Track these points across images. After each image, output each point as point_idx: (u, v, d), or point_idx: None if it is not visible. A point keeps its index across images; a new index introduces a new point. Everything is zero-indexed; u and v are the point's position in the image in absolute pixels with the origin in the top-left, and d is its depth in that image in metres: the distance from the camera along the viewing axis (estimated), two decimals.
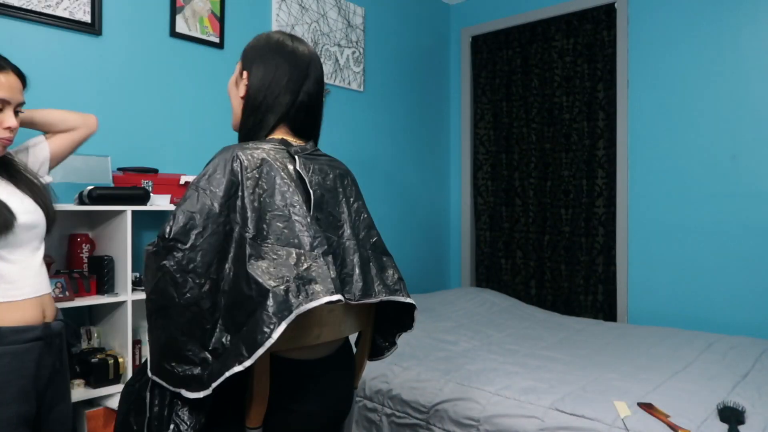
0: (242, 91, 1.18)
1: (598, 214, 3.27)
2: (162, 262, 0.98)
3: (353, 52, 3.16)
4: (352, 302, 1.06)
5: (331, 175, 1.17)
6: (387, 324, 1.29)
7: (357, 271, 1.10)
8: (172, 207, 2.07)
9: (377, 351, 1.31)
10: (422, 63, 3.69)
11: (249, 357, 0.92)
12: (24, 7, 1.93)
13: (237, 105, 1.20)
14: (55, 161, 1.56)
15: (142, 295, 1.96)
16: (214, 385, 0.94)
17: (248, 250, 0.99)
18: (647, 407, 1.66)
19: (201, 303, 0.97)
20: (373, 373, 2.10)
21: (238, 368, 0.92)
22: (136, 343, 2.04)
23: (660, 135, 3.04)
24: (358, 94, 3.23)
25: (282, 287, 0.95)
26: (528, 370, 2.05)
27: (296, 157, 1.12)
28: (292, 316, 0.93)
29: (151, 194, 2.07)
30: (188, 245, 0.98)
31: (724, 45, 2.84)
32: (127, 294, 1.94)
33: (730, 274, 2.81)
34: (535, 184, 3.55)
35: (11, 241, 1.23)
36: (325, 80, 3.01)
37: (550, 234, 3.48)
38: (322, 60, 2.99)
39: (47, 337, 1.27)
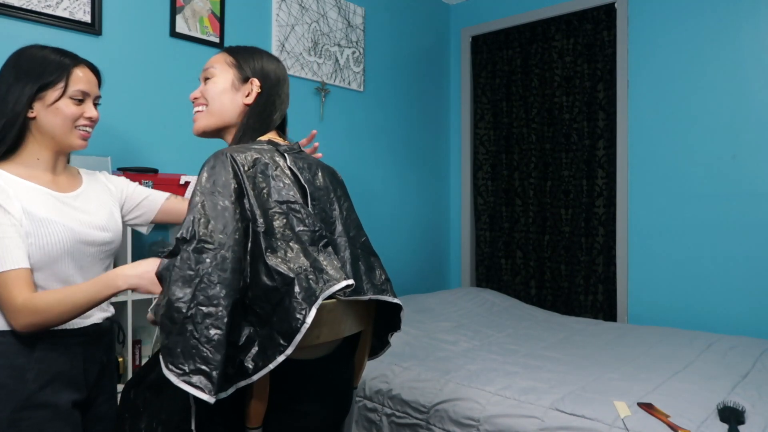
0: (250, 98, 1.22)
1: (598, 214, 3.27)
2: (197, 266, 0.95)
3: (353, 52, 3.16)
4: (342, 298, 1.06)
5: (319, 174, 1.20)
6: (380, 324, 1.30)
7: (348, 267, 1.11)
8: None
9: (372, 351, 1.32)
10: (422, 63, 3.69)
11: (288, 345, 0.95)
12: (24, 7, 1.93)
13: (232, 108, 1.22)
14: (159, 219, 1.52)
15: (142, 295, 1.95)
16: (258, 375, 0.95)
17: (263, 244, 1.00)
18: (647, 407, 1.66)
19: (239, 300, 0.98)
20: (373, 373, 2.10)
21: (281, 358, 0.95)
22: (136, 343, 2.04)
23: (660, 135, 3.04)
24: (358, 94, 3.23)
25: (302, 275, 0.98)
26: (528, 370, 2.05)
27: (286, 155, 1.15)
28: (319, 301, 0.97)
29: None
30: (216, 244, 0.97)
31: (724, 45, 2.84)
32: (127, 294, 1.94)
33: (730, 274, 2.81)
34: (535, 184, 3.55)
35: (78, 258, 1.28)
36: (325, 80, 3.01)
37: (550, 234, 3.48)
38: (322, 60, 2.99)
39: (95, 333, 1.33)
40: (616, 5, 3.18)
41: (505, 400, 1.79)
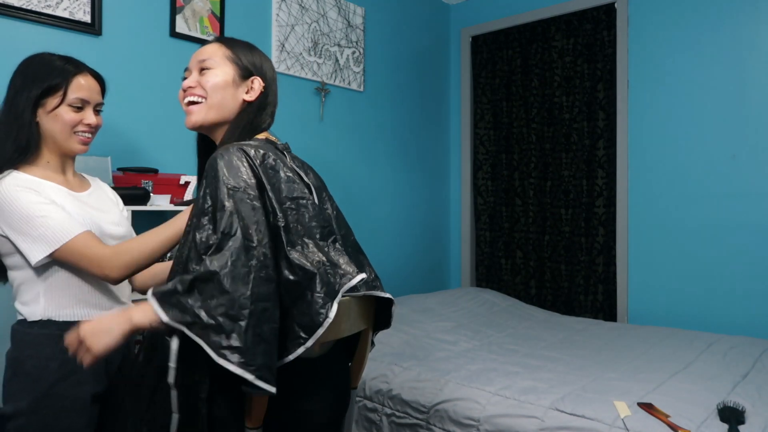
0: (251, 96, 1.21)
1: (598, 214, 3.27)
2: (249, 263, 0.95)
3: (353, 52, 3.16)
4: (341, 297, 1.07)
5: (311, 174, 1.22)
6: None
7: None
8: (172, 207, 2.07)
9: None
10: (422, 63, 3.69)
11: (309, 338, 0.97)
12: (24, 7, 1.93)
13: (232, 105, 1.20)
14: None
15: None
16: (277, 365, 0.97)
17: (284, 239, 1.01)
18: (647, 407, 1.66)
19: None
20: (373, 373, 2.10)
21: (300, 350, 0.97)
22: (136, 343, 2.03)
23: (660, 135, 3.04)
24: (358, 94, 3.23)
25: (322, 270, 1.00)
26: (528, 370, 2.05)
27: (286, 153, 1.17)
28: (339, 295, 0.99)
29: (151, 194, 2.07)
30: (255, 242, 0.97)
31: (724, 44, 2.84)
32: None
33: (730, 274, 2.81)
34: (535, 184, 3.55)
35: None
36: (325, 80, 3.01)
37: (550, 234, 3.48)
38: (322, 60, 2.99)
39: None
40: (616, 5, 3.18)
41: (505, 400, 1.79)
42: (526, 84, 3.57)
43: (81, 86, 1.31)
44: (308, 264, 1.00)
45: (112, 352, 1.35)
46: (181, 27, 2.38)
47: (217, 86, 1.18)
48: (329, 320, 0.97)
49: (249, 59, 1.22)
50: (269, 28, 2.75)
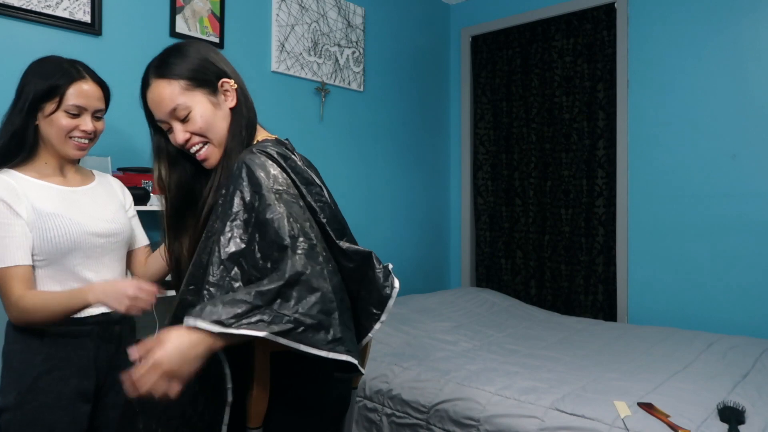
0: (233, 100, 1.15)
1: (598, 214, 3.27)
2: (319, 258, 0.97)
3: (353, 52, 3.16)
4: None
5: (313, 173, 1.20)
6: None
7: None
8: None
9: None
10: (422, 63, 3.69)
11: (382, 312, 1.03)
12: (24, 7, 1.93)
13: (224, 125, 1.14)
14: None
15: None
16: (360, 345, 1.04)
17: (331, 232, 1.05)
18: (647, 407, 1.66)
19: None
20: (373, 373, 2.10)
21: (377, 326, 1.05)
22: (137, 343, 2.03)
23: (660, 135, 3.04)
24: (358, 94, 3.23)
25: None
26: (528, 370, 2.05)
27: (294, 153, 1.16)
28: (391, 266, 1.06)
29: (151, 194, 2.07)
30: (315, 240, 0.99)
31: (724, 44, 2.84)
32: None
33: (730, 274, 2.81)
34: (535, 184, 3.55)
35: (86, 249, 1.35)
36: (325, 80, 3.01)
37: (550, 234, 3.48)
38: (322, 60, 2.99)
39: (104, 322, 1.38)
40: (616, 5, 3.18)
41: (505, 400, 1.79)
42: (526, 84, 3.57)
43: (79, 92, 1.32)
44: (360, 247, 1.04)
45: (101, 350, 1.36)
46: (181, 27, 2.38)
47: (208, 123, 1.12)
48: (396, 290, 1.03)
49: (197, 68, 1.13)
50: (269, 28, 2.75)
